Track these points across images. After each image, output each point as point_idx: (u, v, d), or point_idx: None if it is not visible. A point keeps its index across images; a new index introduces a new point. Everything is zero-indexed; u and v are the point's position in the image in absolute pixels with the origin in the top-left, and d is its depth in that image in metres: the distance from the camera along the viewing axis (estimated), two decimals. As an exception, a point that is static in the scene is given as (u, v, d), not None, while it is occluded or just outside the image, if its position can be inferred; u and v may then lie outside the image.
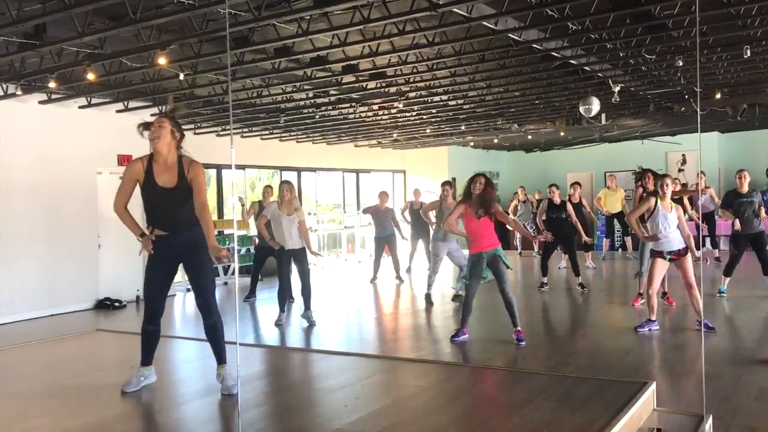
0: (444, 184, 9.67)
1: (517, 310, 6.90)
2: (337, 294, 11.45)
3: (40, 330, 8.52)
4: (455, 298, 9.47)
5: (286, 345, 7.37)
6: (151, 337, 4.58)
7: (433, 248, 9.60)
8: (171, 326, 8.75)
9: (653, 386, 4.26)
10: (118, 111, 10.52)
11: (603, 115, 12.69)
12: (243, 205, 11.87)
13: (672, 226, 7.11)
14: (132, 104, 10.38)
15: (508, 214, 13.64)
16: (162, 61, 7.00)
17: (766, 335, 7.23)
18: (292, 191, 8.18)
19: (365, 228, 17.53)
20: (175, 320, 9.52)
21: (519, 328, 6.88)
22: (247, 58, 7.80)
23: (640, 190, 8.70)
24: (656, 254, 7.22)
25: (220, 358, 4.52)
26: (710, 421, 3.97)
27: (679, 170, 17.00)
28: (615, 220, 13.99)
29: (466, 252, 7.34)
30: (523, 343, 6.78)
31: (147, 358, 4.60)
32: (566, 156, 19.60)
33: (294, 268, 8.24)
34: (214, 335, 4.51)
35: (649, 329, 7.23)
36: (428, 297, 9.63)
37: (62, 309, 10.00)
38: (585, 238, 11.07)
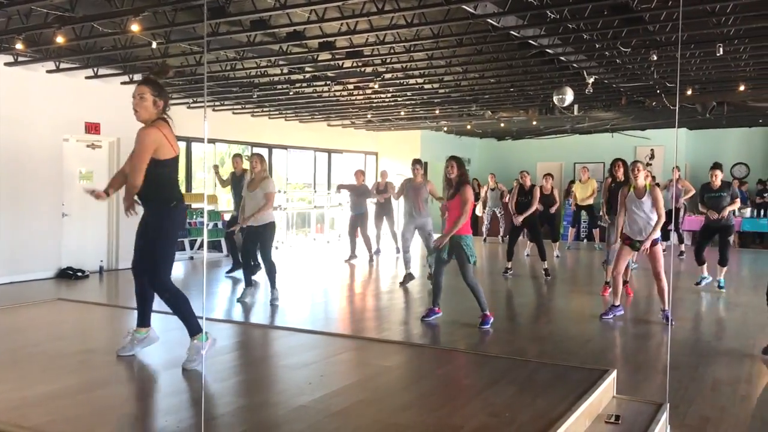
0: (414, 162, 9.66)
1: (482, 294, 6.93)
2: (305, 273, 11.41)
3: (-2, 297, 8.35)
4: (430, 277, 9.48)
5: (252, 322, 7.33)
6: (137, 298, 4.65)
7: (403, 226, 9.68)
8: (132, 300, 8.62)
9: (614, 374, 4.33)
10: (88, 77, 10.28)
11: (575, 106, 12.80)
12: (217, 173, 11.61)
13: (645, 213, 7.11)
14: (102, 71, 10.15)
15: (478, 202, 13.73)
16: (135, 28, 6.85)
17: (725, 328, 7.40)
18: (261, 163, 8.08)
19: (335, 208, 17.48)
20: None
21: (486, 312, 6.93)
22: (222, 29, 7.66)
23: (609, 180, 8.84)
24: (626, 239, 7.29)
25: (190, 329, 4.41)
26: (666, 409, 4.05)
27: (647, 164, 17.25)
28: (583, 211, 14.00)
29: (437, 236, 7.35)
30: (488, 326, 6.83)
31: (139, 320, 4.67)
32: (537, 145, 19.77)
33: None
34: (175, 309, 4.43)
35: (614, 315, 7.32)
36: (409, 276, 9.60)
37: (23, 277, 9.80)
38: (532, 208, 10.55)
